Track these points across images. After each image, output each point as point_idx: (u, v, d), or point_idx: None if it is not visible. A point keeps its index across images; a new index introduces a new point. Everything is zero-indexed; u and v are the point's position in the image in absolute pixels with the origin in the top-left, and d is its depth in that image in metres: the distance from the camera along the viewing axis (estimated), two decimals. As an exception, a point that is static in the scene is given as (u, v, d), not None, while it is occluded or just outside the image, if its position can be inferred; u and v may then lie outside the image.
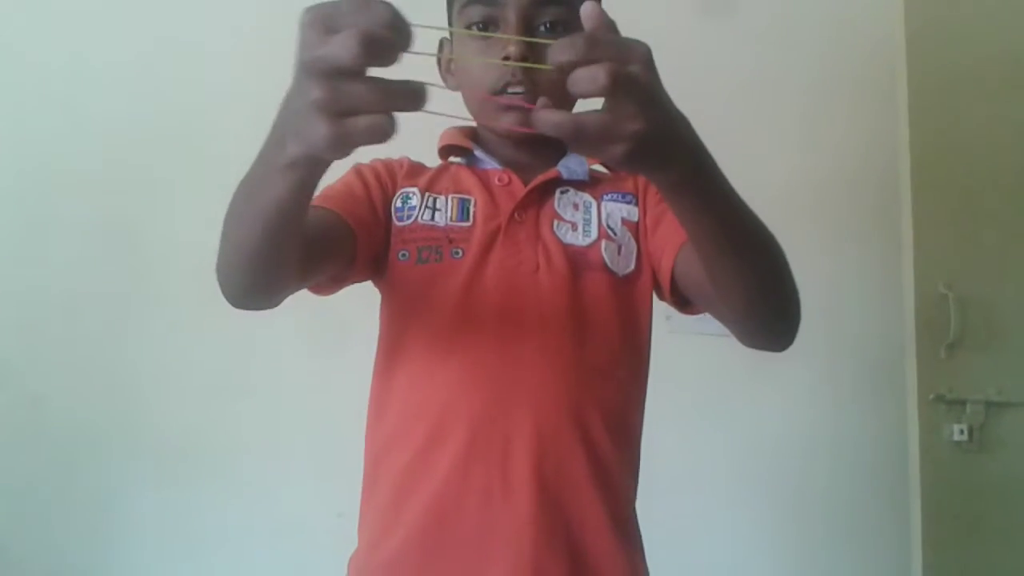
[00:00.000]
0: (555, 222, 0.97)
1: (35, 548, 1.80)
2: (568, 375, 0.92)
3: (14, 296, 1.86)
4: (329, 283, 0.94)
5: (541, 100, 0.62)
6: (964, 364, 1.80)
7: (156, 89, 1.89)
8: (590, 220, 0.98)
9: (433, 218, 0.96)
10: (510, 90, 0.93)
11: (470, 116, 1.01)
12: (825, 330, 1.79)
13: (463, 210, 0.97)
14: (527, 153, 1.02)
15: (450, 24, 1.01)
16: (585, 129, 0.56)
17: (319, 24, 0.52)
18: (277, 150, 0.58)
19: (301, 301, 0.89)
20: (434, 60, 1.03)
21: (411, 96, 0.52)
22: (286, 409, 1.81)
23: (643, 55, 0.56)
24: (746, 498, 1.82)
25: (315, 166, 0.60)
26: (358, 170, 1.00)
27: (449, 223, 0.96)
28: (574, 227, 0.97)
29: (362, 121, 0.51)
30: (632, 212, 1.00)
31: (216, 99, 1.87)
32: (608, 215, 0.98)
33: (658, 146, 0.59)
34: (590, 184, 1.01)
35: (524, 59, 0.90)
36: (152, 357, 1.84)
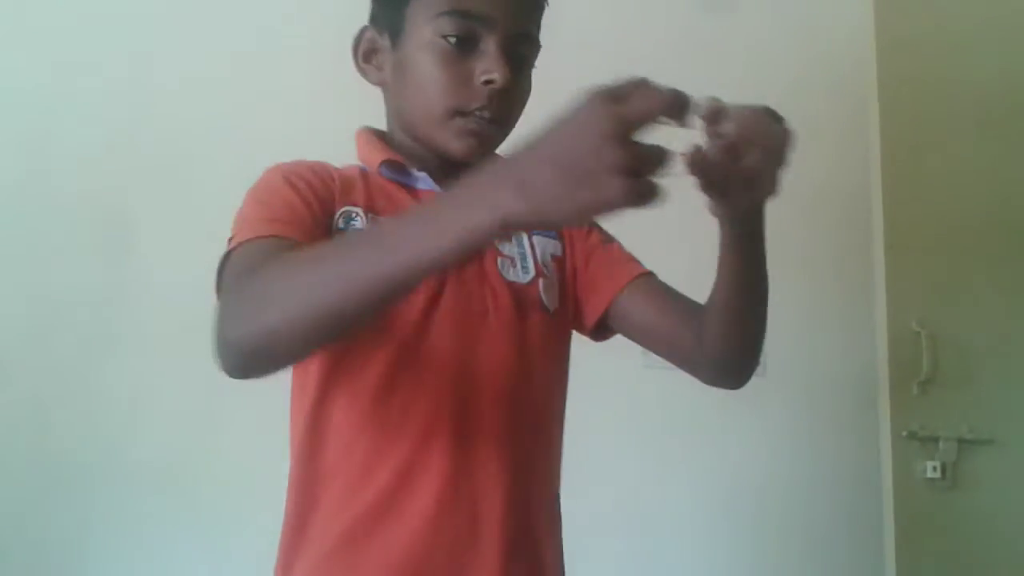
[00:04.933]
0: (498, 259, 0.94)
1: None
2: (523, 419, 0.91)
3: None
4: None
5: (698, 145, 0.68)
6: (936, 401, 1.81)
7: (134, 113, 1.88)
8: (525, 255, 0.96)
9: None
10: (479, 113, 0.89)
11: None
12: (798, 368, 1.79)
13: None
14: (453, 178, 0.98)
15: (401, 20, 0.92)
16: (737, 173, 0.68)
17: (608, 96, 0.54)
18: (473, 212, 0.57)
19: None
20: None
21: (668, 158, 0.56)
22: (267, 439, 1.78)
23: (792, 141, 0.69)
24: (718, 535, 1.80)
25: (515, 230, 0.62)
26: (291, 183, 0.88)
27: None
28: (513, 263, 0.95)
29: (648, 183, 0.54)
30: (557, 247, 1.00)
31: (191, 124, 1.86)
32: (541, 251, 0.98)
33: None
34: None
35: (508, 88, 0.89)
36: (130, 384, 1.81)
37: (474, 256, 0.64)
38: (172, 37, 1.90)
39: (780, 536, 1.82)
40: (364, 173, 0.95)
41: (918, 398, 1.81)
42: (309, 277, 0.66)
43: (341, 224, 0.89)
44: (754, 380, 1.06)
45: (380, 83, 0.97)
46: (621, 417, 1.76)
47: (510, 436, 0.89)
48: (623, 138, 0.52)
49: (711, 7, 1.88)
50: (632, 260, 1.01)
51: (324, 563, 0.86)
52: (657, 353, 1.00)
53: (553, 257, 0.99)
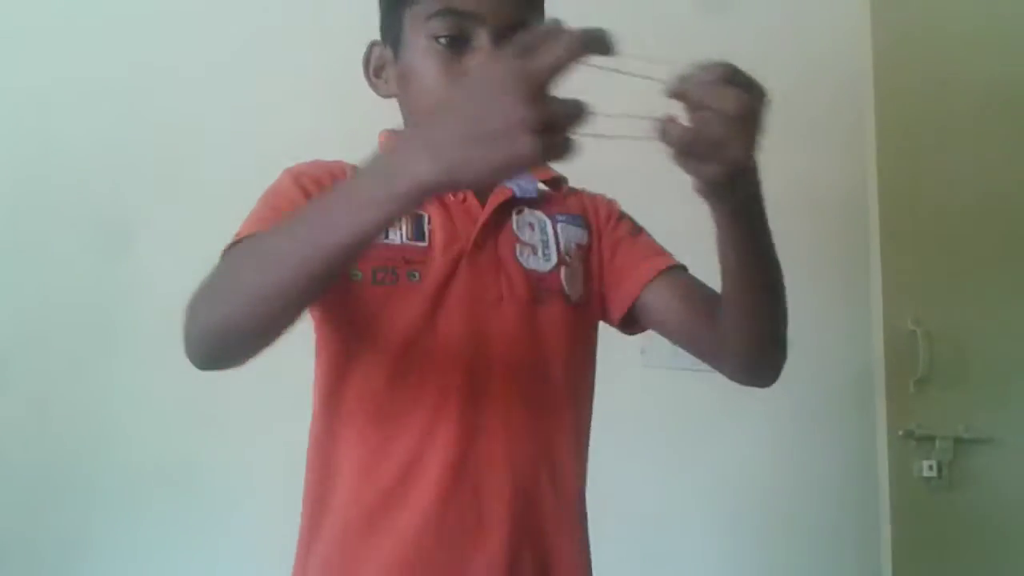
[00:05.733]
0: (516, 246, 0.93)
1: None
2: (535, 410, 0.90)
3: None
4: None
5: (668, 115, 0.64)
6: (933, 400, 1.81)
7: (134, 113, 1.88)
8: (547, 242, 0.96)
9: (387, 235, 0.88)
10: None
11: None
12: (794, 366, 1.77)
13: (418, 228, 0.90)
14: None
15: (399, 30, 0.94)
16: (701, 141, 0.62)
17: (516, 50, 0.55)
18: (390, 182, 0.58)
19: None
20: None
21: (583, 112, 0.55)
22: (266, 439, 1.78)
23: (768, 99, 0.65)
24: (715, 534, 1.81)
25: (429, 195, 0.61)
26: (300, 184, 0.89)
27: (405, 241, 0.89)
28: (534, 250, 0.94)
29: (561, 137, 0.54)
30: (583, 236, 0.99)
31: (190, 125, 1.86)
32: (566, 240, 0.97)
33: (744, 174, 0.67)
34: (539, 201, 0.98)
35: None
36: (130, 384, 1.80)
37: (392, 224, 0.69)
38: (172, 37, 1.90)
39: (776, 534, 1.82)
40: None
41: (914, 397, 1.81)
42: (250, 265, 0.69)
43: None
44: (749, 377, 1.05)
45: (389, 96, 0.98)
46: (619, 416, 1.76)
47: (521, 429, 0.89)
48: (531, 95, 0.53)
49: (707, 7, 1.88)
50: (661, 253, 0.99)
51: (335, 553, 0.87)
52: (686, 350, 0.98)
53: (578, 245, 0.98)
